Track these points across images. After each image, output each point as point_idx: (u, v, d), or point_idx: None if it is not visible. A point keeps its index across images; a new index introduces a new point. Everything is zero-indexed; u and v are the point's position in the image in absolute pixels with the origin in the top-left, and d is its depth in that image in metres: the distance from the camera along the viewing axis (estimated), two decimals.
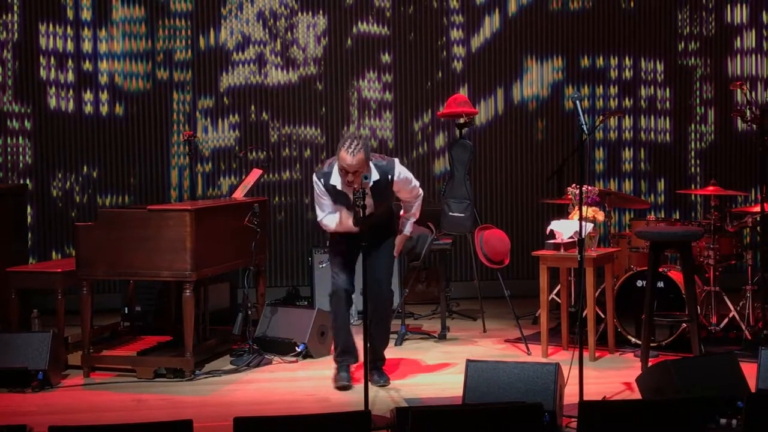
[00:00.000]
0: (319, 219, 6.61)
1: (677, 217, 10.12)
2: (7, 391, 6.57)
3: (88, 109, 9.83)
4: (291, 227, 10.04)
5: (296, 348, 7.47)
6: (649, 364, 6.56)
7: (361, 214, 5.80)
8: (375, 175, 6.40)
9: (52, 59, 9.75)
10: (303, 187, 9.95)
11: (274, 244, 9.87)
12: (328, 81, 10.07)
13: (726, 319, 7.83)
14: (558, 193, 8.74)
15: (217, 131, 9.98)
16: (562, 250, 7.36)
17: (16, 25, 9.70)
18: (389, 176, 6.49)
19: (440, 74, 10.19)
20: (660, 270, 7.33)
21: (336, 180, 6.42)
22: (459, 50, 10.21)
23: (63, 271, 7.19)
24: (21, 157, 9.76)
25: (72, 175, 9.83)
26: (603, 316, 7.67)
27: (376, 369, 6.71)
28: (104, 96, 9.84)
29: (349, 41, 10.08)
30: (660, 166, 10.50)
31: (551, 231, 7.49)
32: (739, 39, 10.48)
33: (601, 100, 10.41)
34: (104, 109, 9.84)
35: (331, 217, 6.55)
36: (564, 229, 7.40)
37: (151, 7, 9.85)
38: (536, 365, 5.73)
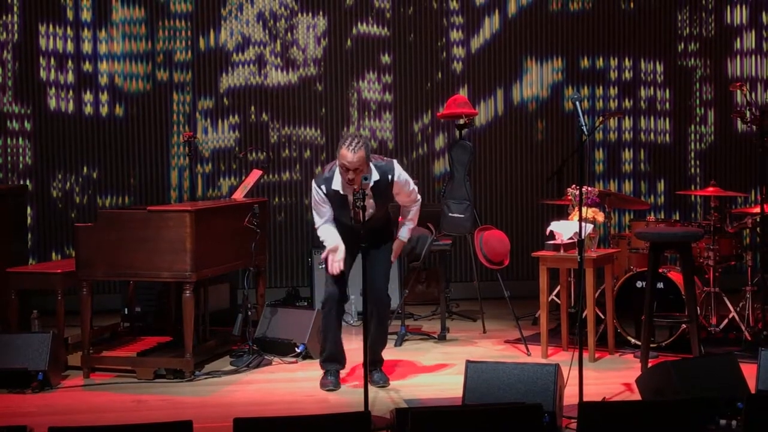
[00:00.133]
0: (317, 226, 6.61)
1: (677, 218, 10.12)
2: (7, 392, 6.58)
3: (88, 109, 9.83)
4: (291, 228, 10.04)
5: (296, 349, 7.47)
6: (649, 364, 6.56)
7: (361, 216, 5.80)
8: (375, 176, 6.40)
9: (52, 60, 9.76)
10: (303, 187, 9.95)
11: (274, 245, 9.87)
12: (328, 82, 10.07)
13: (726, 320, 7.84)
14: (558, 194, 8.74)
15: (217, 132, 9.98)
16: (561, 251, 7.36)
17: (16, 26, 9.71)
18: (389, 176, 6.48)
19: (440, 75, 10.20)
20: (660, 271, 7.33)
21: (338, 184, 6.40)
22: (459, 51, 10.21)
23: (63, 272, 7.19)
24: (21, 158, 9.76)
25: (72, 176, 9.83)
26: (603, 316, 7.67)
27: (376, 370, 6.71)
28: (104, 97, 9.84)
29: (349, 42, 10.09)
30: (660, 167, 10.50)
31: (551, 232, 7.49)
32: (738, 40, 10.48)
33: (600, 101, 10.41)
34: (104, 110, 9.84)
35: (327, 230, 6.53)
36: (564, 229, 7.41)
37: (151, 8, 9.85)
38: (536, 366, 5.73)
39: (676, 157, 10.52)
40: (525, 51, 10.29)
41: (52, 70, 9.76)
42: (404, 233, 6.80)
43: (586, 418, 5.05)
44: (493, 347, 7.90)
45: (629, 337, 7.63)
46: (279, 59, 10.00)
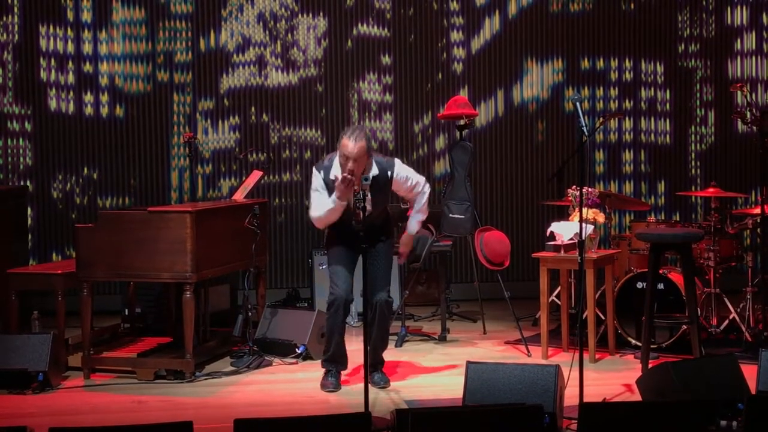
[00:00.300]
0: (311, 214, 6.60)
1: (677, 219, 10.12)
2: (8, 393, 6.57)
3: (89, 110, 9.83)
4: (291, 229, 10.04)
5: (296, 349, 7.47)
6: (650, 365, 6.56)
7: (362, 217, 5.80)
8: (375, 171, 6.40)
9: (53, 61, 9.76)
10: (303, 188, 9.94)
11: (274, 246, 9.86)
12: (329, 83, 10.07)
13: (726, 321, 7.84)
14: (558, 195, 8.74)
15: (218, 133, 9.98)
16: (562, 252, 7.36)
17: (16, 27, 9.71)
18: (389, 173, 6.48)
19: (440, 76, 10.19)
20: (660, 272, 7.33)
21: (336, 173, 6.41)
22: (459, 52, 10.21)
23: (63, 273, 7.19)
24: (21, 159, 9.76)
25: (72, 177, 9.83)
26: (603, 317, 7.67)
27: (376, 371, 6.71)
28: (104, 98, 9.84)
29: (350, 43, 10.09)
30: (660, 167, 10.50)
31: (551, 233, 7.49)
32: (739, 41, 10.48)
33: (601, 101, 10.41)
34: (104, 111, 9.84)
35: (320, 205, 6.49)
36: (564, 230, 7.41)
37: (151, 9, 9.85)
38: (536, 367, 5.72)
39: (677, 158, 10.52)
40: (525, 52, 10.29)
41: (53, 71, 9.76)
42: (412, 226, 6.78)
43: (587, 419, 5.05)
44: (493, 348, 7.90)
45: (630, 338, 7.63)
46: (279, 60, 10.00)
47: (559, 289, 8.05)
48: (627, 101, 10.44)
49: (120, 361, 7.11)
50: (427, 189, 6.75)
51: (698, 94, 10.50)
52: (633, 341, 7.59)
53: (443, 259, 8.41)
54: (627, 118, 10.43)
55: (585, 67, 10.39)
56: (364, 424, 4.88)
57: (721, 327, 7.83)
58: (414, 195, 6.70)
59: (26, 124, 9.75)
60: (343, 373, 6.75)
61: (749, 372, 5.92)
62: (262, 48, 9.99)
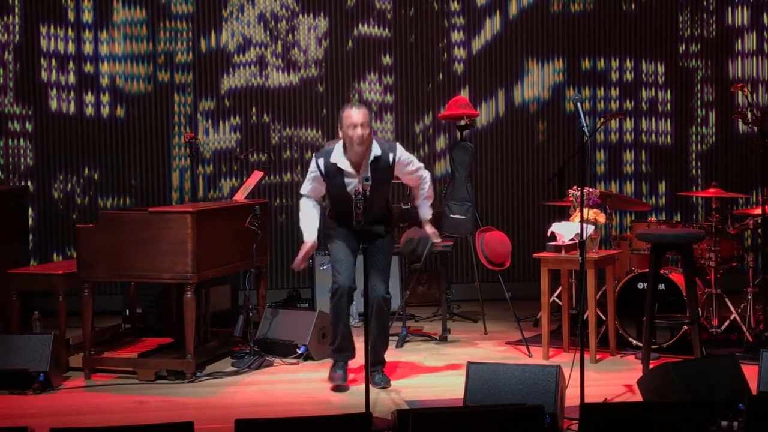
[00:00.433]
0: (301, 191, 6.68)
1: (678, 219, 10.12)
2: (8, 393, 6.57)
3: (89, 111, 9.83)
4: (292, 229, 10.02)
5: (297, 350, 7.47)
6: (651, 366, 6.56)
7: (362, 218, 5.80)
8: (377, 151, 6.43)
9: (53, 61, 9.76)
10: None
11: (275, 246, 9.86)
12: (329, 83, 10.07)
13: (727, 322, 7.84)
14: (559, 195, 8.74)
15: (218, 133, 9.98)
16: (563, 252, 7.36)
17: (17, 27, 9.71)
18: (390, 155, 6.50)
19: (441, 76, 10.20)
20: (661, 272, 7.33)
21: (337, 157, 6.44)
22: (460, 52, 10.21)
23: (64, 273, 7.19)
24: (22, 159, 9.76)
25: (73, 177, 9.83)
26: (604, 318, 7.67)
27: (377, 371, 6.71)
28: (105, 98, 9.84)
29: (350, 43, 10.09)
30: (661, 168, 10.49)
31: (552, 233, 7.49)
32: (740, 41, 10.47)
33: (602, 102, 10.41)
34: (105, 111, 9.85)
35: (307, 213, 6.63)
36: (565, 231, 7.41)
37: (152, 10, 9.85)
38: (537, 367, 5.73)
39: (678, 159, 10.51)
40: (526, 52, 10.29)
41: (54, 71, 9.77)
42: (426, 212, 6.83)
43: (588, 419, 5.05)
44: (494, 348, 7.90)
45: (630, 339, 7.63)
46: (280, 60, 10.01)
47: (560, 289, 8.05)
48: (628, 101, 10.44)
49: (121, 362, 7.11)
50: (428, 174, 6.81)
51: (699, 95, 10.50)
52: (634, 342, 7.59)
53: (444, 260, 8.41)
54: (628, 119, 10.42)
55: (586, 68, 10.39)
56: (365, 425, 4.89)
57: (722, 327, 7.83)
58: (416, 180, 6.72)
59: (27, 124, 9.76)
60: (350, 363, 6.72)
61: (750, 372, 5.92)
62: (262, 48, 9.99)
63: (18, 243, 8.81)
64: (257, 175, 8.26)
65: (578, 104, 5.99)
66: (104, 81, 9.83)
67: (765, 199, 7.38)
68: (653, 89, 10.46)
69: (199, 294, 7.14)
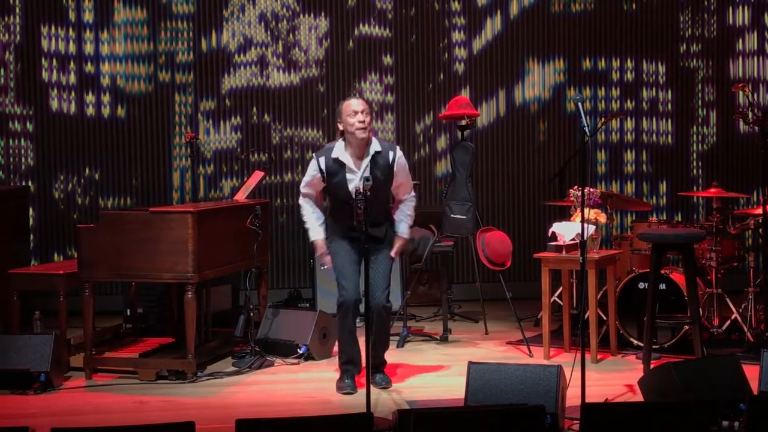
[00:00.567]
0: (302, 188, 6.69)
1: (679, 219, 10.11)
2: (9, 393, 6.57)
3: (90, 111, 9.83)
4: (293, 229, 10.03)
5: (298, 350, 7.47)
6: (651, 366, 6.56)
7: (362, 218, 5.79)
8: (377, 147, 6.45)
9: (54, 61, 9.76)
10: None
11: (276, 246, 9.87)
12: (330, 83, 10.07)
13: (728, 321, 7.83)
14: (560, 195, 8.74)
15: (219, 133, 9.98)
16: (564, 252, 7.36)
17: (18, 27, 9.71)
18: (391, 153, 6.52)
19: (442, 76, 10.19)
20: (662, 272, 7.33)
21: (338, 152, 6.46)
22: (460, 52, 10.21)
23: (65, 273, 7.19)
24: (23, 159, 9.76)
25: (74, 177, 9.83)
26: (605, 318, 7.67)
27: (378, 372, 6.70)
28: (106, 98, 9.84)
29: (351, 43, 10.09)
30: (662, 168, 10.49)
31: (553, 233, 7.49)
32: (741, 41, 10.47)
33: (602, 102, 10.41)
34: (106, 111, 9.85)
35: (309, 214, 6.64)
36: (566, 231, 7.40)
37: (152, 10, 9.85)
38: (538, 367, 5.72)
39: (678, 159, 10.51)
40: (527, 52, 10.29)
41: (54, 72, 9.77)
42: (404, 229, 6.73)
43: (589, 419, 5.05)
44: (495, 348, 7.90)
45: (631, 339, 7.62)
46: (281, 60, 10.01)
47: (560, 289, 8.05)
48: (628, 101, 10.44)
49: (122, 362, 7.11)
50: (415, 199, 6.79)
51: (700, 95, 10.50)
52: (635, 342, 7.58)
53: (445, 260, 8.41)
54: (628, 119, 10.42)
55: (587, 68, 10.39)
56: (366, 425, 4.88)
57: (723, 327, 7.83)
58: (403, 192, 6.68)
59: (28, 124, 9.76)
60: (356, 375, 6.72)
61: (751, 372, 5.92)
62: (263, 48, 9.99)
63: (19, 243, 8.80)
64: (258, 175, 8.26)
65: (579, 104, 5.99)
66: (105, 81, 9.83)
67: (766, 199, 7.38)
68: (654, 89, 10.46)
69: (200, 294, 7.14)
